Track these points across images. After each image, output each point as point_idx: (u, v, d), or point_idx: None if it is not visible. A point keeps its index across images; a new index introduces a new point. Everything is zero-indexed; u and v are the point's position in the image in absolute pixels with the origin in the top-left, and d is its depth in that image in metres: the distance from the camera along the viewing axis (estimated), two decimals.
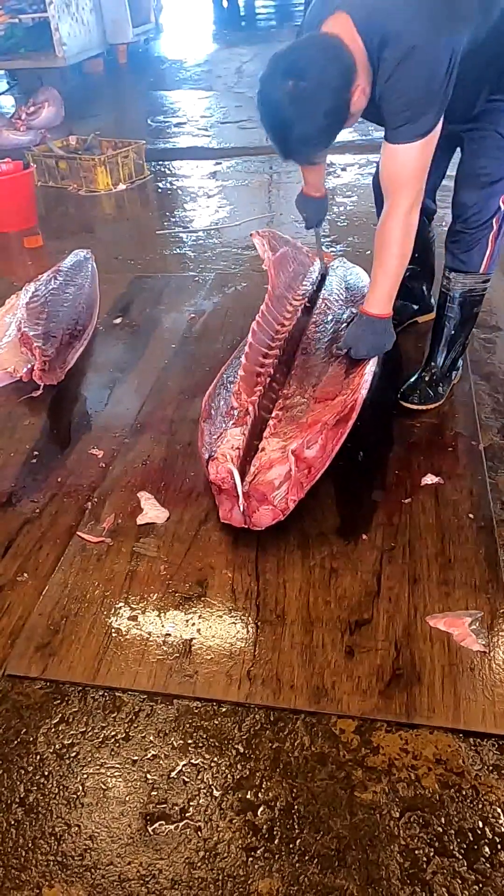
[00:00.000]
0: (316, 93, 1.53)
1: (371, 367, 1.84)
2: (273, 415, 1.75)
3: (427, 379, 2.09)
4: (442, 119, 1.62)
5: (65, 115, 5.50)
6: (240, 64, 6.96)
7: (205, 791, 1.22)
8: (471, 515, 1.72)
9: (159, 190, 4.15)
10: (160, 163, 4.53)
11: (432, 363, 2.10)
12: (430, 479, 1.83)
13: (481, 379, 2.27)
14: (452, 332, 2.07)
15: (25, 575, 1.64)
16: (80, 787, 1.24)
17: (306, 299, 2.15)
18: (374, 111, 1.65)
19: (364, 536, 1.68)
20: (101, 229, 3.67)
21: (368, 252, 3.17)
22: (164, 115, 5.63)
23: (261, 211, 3.72)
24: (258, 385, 1.83)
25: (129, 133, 4.76)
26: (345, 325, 2.04)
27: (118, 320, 2.71)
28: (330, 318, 2.10)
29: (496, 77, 1.69)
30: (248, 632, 1.47)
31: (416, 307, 2.43)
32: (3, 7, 6.24)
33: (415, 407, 2.06)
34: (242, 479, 1.58)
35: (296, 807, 1.19)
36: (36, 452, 2.04)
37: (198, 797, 1.21)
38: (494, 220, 1.88)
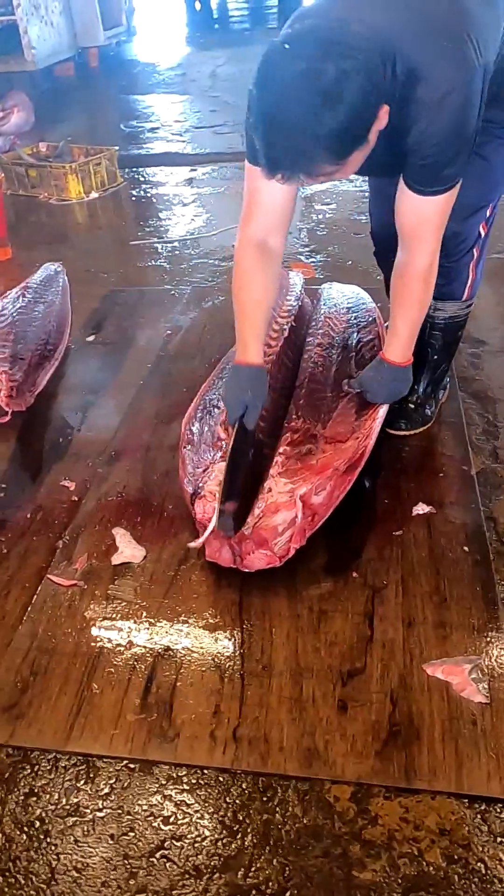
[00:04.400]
0: (349, 83, 1.19)
1: (383, 412, 1.75)
2: (281, 450, 1.63)
3: (413, 405, 2.00)
4: None
5: (35, 121, 5.35)
6: (214, 67, 6.85)
7: (189, 873, 1.11)
8: (465, 548, 1.63)
9: (133, 198, 4.03)
10: (134, 169, 4.40)
11: (416, 388, 2.00)
12: (421, 508, 1.74)
13: (469, 397, 2.18)
14: (436, 356, 1.99)
15: None
16: (51, 873, 1.13)
17: (292, 317, 2.04)
18: (378, 152, 1.38)
19: (354, 574, 1.58)
20: (73, 240, 3.54)
21: (350, 262, 3.10)
22: (138, 119, 5.50)
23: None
24: None
25: (102, 139, 4.63)
26: (353, 353, 1.93)
27: (91, 338, 2.59)
28: (336, 341, 1.99)
29: (490, 98, 1.51)
30: (232, 686, 1.36)
31: None
32: None
33: (403, 433, 1.96)
34: (243, 520, 1.48)
35: (289, 890, 1.08)
36: (3, 485, 1.91)
37: (182, 881, 1.10)
38: (475, 249, 1.80)
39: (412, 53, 1.31)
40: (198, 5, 9.91)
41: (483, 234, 1.78)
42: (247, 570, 1.54)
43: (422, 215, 1.52)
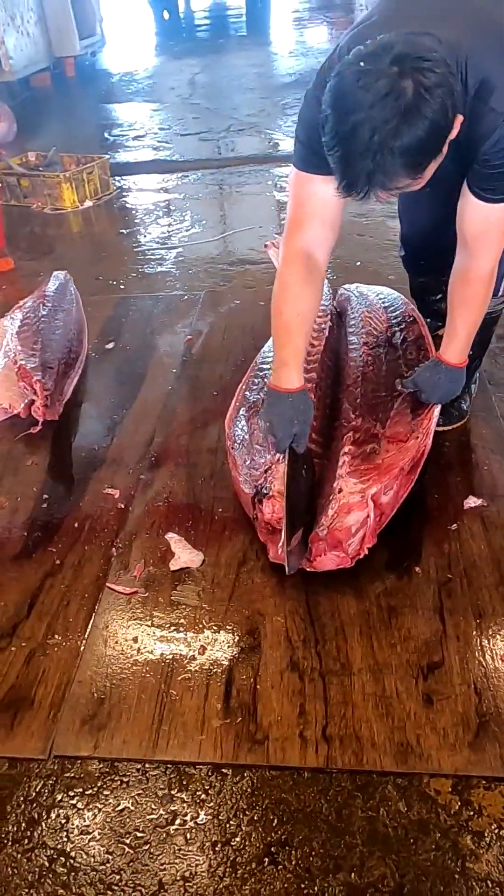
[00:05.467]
0: (430, 99, 1.19)
1: (438, 410, 1.76)
2: (346, 450, 1.63)
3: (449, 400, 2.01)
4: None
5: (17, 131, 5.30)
6: (191, 76, 6.84)
7: (302, 877, 1.10)
8: None
9: (128, 205, 4.01)
10: (123, 177, 4.38)
11: None
12: (472, 501, 1.75)
13: (499, 390, 2.21)
14: (471, 352, 2.01)
15: (57, 637, 1.49)
16: (158, 884, 1.11)
17: (328, 316, 2.04)
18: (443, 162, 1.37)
19: (417, 569, 1.59)
20: (74, 249, 3.51)
21: (358, 263, 3.12)
22: (121, 128, 5.48)
23: (240, 223, 3.62)
24: None
25: (85, 148, 4.60)
26: (401, 352, 1.93)
27: (110, 345, 2.56)
28: (381, 340, 1.99)
29: None
30: (314, 686, 1.35)
31: (440, 324, 2.36)
32: None
33: (442, 429, 1.98)
34: (316, 521, 1.47)
35: (406, 886, 1.08)
36: (46, 496, 1.88)
37: (298, 884, 1.09)
38: None
39: (483, 65, 1.33)
40: (166, 14, 9.92)
41: None
42: (312, 571, 1.53)
43: (488, 222, 1.53)
